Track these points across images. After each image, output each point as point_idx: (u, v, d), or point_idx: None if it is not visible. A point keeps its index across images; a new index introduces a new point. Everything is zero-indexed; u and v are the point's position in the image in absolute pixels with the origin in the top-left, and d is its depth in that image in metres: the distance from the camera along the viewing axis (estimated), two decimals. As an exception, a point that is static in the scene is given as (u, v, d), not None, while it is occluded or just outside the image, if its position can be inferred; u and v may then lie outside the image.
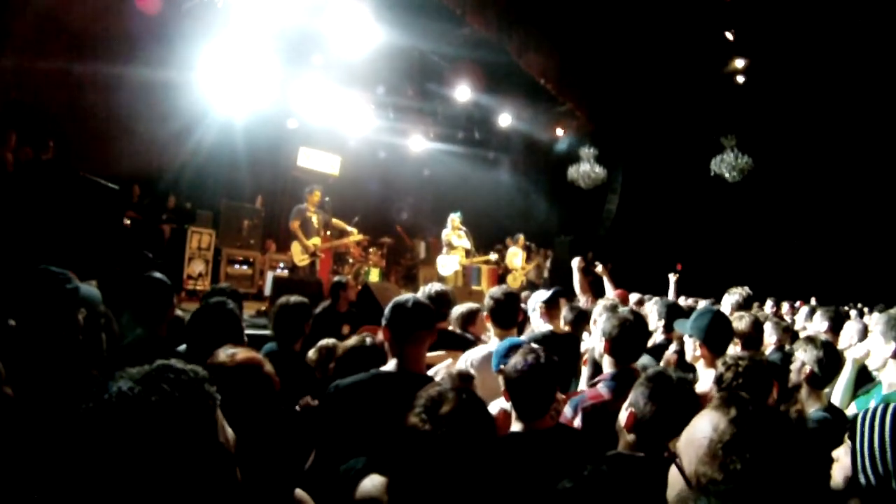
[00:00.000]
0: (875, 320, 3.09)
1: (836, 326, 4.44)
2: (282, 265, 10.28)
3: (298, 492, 1.57)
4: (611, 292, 5.43)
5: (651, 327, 3.92)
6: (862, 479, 1.49)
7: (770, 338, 3.94)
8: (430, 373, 2.53)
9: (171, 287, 2.87)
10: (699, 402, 1.76)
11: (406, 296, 2.38)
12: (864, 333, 3.89)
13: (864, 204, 13.71)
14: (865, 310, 9.78)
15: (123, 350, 2.63)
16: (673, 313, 3.99)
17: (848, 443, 1.56)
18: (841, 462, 1.59)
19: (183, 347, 2.82)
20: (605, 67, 12.97)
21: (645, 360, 3.06)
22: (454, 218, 9.70)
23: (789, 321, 6.43)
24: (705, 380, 2.79)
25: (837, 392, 3.11)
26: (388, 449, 1.41)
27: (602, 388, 2.59)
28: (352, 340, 3.15)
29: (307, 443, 2.30)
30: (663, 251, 14.50)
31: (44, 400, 1.69)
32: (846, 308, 9.12)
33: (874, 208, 13.64)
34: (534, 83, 12.20)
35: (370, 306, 5.84)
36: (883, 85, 12.04)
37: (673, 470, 1.29)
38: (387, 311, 2.33)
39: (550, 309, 3.98)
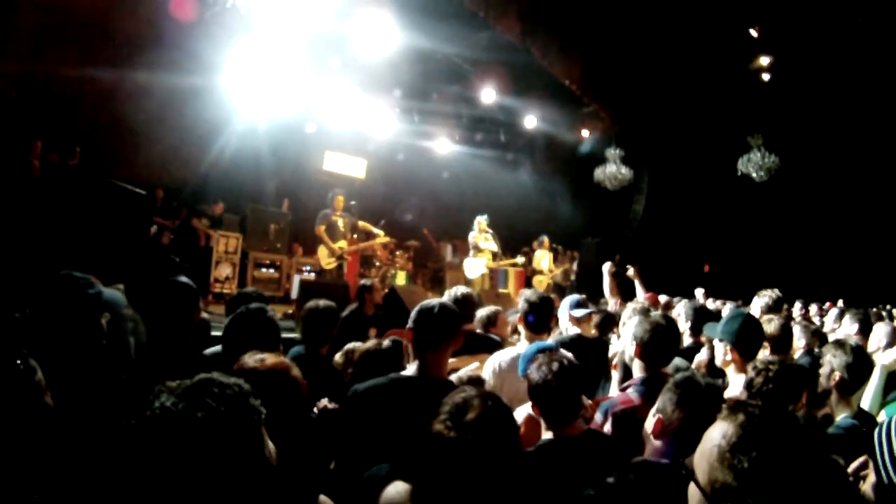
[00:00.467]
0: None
1: (865, 329, 4.38)
2: (308, 268, 10.37)
3: (322, 497, 1.55)
4: (641, 295, 5.36)
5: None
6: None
7: (799, 341, 3.87)
8: (452, 378, 2.50)
9: (196, 291, 2.87)
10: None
11: (432, 301, 2.34)
12: (894, 336, 3.94)
13: (893, 203, 13.31)
14: (895, 311, 9.52)
15: (151, 354, 2.64)
16: (700, 316, 3.97)
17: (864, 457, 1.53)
18: (869, 478, 1.54)
19: (210, 351, 2.84)
20: (629, 68, 12.81)
21: (677, 360, 3.00)
22: (481, 220, 9.63)
23: (818, 323, 6.32)
24: (736, 384, 2.73)
25: (867, 399, 3.02)
26: (412, 455, 1.38)
27: (632, 393, 2.55)
28: (368, 344, 3.14)
29: (328, 447, 2.28)
30: (690, 252, 14.31)
31: (78, 408, 1.69)
32: (875, 310, 8.91)
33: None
34: (558, 84, 12.10)
35: (397, 309, 5.85)
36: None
37: (692, 487, 1.27)
38: (413, 314, 2.30)
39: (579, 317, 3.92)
